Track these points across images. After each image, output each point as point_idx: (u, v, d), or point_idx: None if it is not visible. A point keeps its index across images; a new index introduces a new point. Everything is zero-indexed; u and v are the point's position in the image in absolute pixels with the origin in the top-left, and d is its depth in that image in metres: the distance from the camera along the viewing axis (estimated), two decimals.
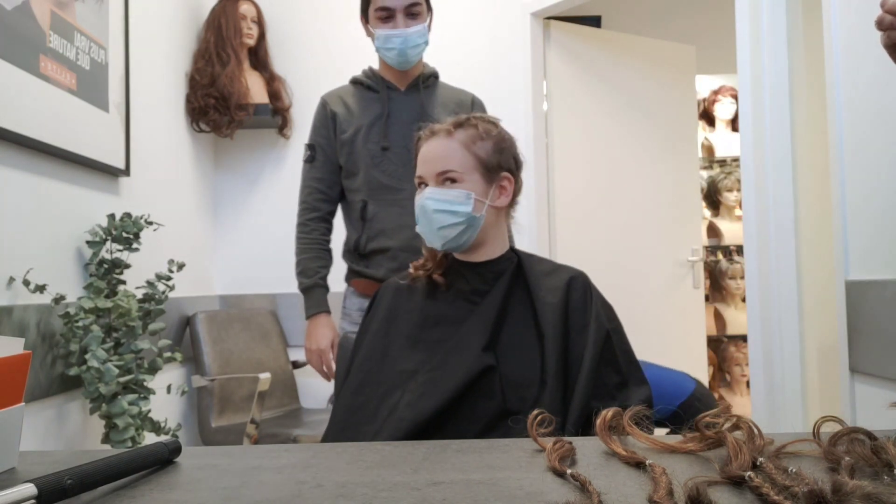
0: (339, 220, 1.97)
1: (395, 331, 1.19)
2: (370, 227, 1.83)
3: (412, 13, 1.78)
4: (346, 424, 1.12)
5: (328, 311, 1.88)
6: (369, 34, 1.85)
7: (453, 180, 1.19)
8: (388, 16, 1.77)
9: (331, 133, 1.87)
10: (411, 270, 1.25)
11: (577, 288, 1.18)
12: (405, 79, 1.88)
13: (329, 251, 1.93)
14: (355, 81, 1.92)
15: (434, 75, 1.93)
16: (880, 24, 0.86)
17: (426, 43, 1.83)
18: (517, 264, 1.22)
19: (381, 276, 1.79)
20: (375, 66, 1.92)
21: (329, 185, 1.90)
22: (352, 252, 1.88)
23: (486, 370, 1.08)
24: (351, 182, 1.87)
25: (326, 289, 1.90)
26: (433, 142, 1.21)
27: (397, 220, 1.79)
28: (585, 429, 1.02)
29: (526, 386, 1.09)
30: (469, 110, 1.89)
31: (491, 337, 1.12)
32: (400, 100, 1.86)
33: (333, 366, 1.87)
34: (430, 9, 1.84)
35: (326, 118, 1.88)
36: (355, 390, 1.15)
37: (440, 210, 1.17)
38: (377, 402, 1.11)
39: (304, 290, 1.89)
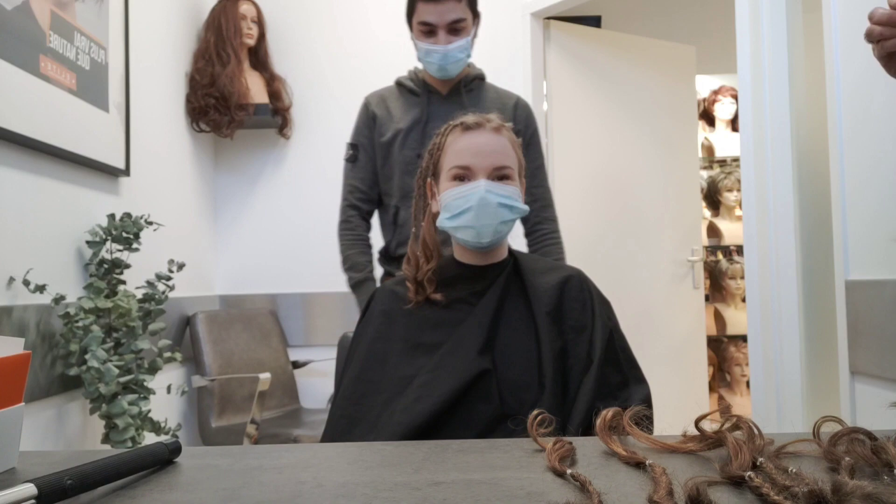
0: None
1: (393, 336, 1.18)
2: (400, 232, 1.83)
3: (455, 29, 1.74)
4: (348, 435, 1.10)
5: None
6: (416, 48, 1.83)
7: (507, 177, 1.18)
8: (429, 30, 1.75)
9: (372, 134, 1.87)
10: (411, 296, 1.20)
11: (574, 287, 1.18)
12: (447, 84, 1.85)
13: (371, 247, 1.93)
14: (399, 83, 1.90)
15: (480, 77, 1.89)
16: (869, 37, 0.87)
17: (468, 56, 1.80)
18: (513, 264, 1.22)
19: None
20: (410, 68, 1.91)
21: (370, 185, 1.89)
22: (383, 255, 1.90)
23: (483, 373, 1.08)
24: (387, 186, 1.88)
25: (375, 282, 1.90)
26: (484, 135, 1.19)
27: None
28: (588, 429, 1.01)
29: (523, 388, 1.08)
30: (511, 113, 1.87)
31: (487, 339, 1.11)
32: (440, 105, 1.84)
33: None
34: (476, 17, 1.80)
35: (368, 119, 1.87)
36: (357, 401, 1.13)
37: (504, 204, 1.16)
38: (378, 411, 1.10)
39: (356, 284, 1.86)
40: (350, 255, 1.88)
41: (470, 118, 1.22)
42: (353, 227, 1.89)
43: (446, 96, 1.85)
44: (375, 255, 1.95)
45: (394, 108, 1.86)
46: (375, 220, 1.96)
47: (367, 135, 1.87)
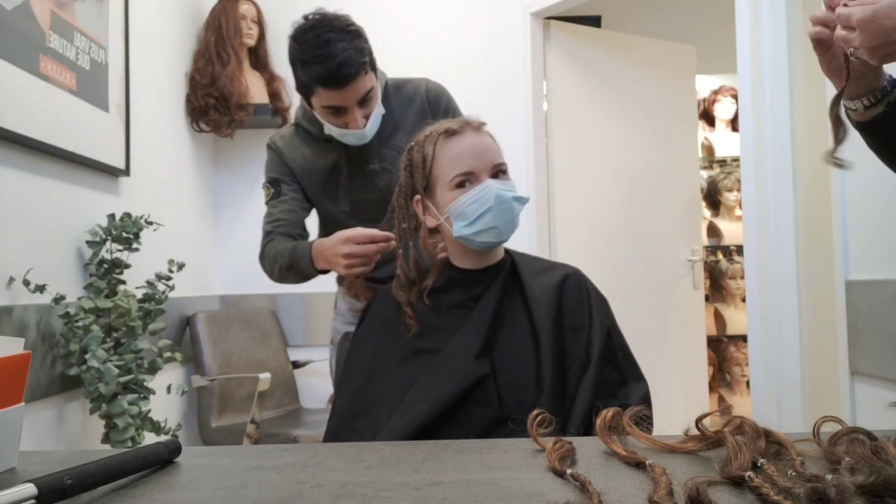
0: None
1: (393, 343, 1.17)
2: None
3: (365, 100, 1.47)
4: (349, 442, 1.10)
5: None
6: (313, 108, 1.53)
7: (504, 172, 1.19)
8: (337, 110, 1.47)
9: (293, 176, 1.60)
10: (412, 323, 1.16)
11: (572, 286, 1.18)
12: None
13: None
14: (304, 128, 1.61)
15: (386, 85, 1.61)
16: (812, 37, 0.91)
17: (383, 115, 1.56)
18: (511, 265, 1.21)
19: (374, 274, 1.51)
20: None
21: (296, 219, 1.60)
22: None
23: (482, 378, 1.07)
24: (331, 228, 1.55)
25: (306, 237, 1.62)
26: (471, 136, 1.18)
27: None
28: (588, 429, 1.01)
29: (522, 391, 1.08)
30: (423, 98, 1.63)
31: (486, 342, 1.11)
32: (359, 141, 1.54)
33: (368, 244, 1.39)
34: (375, 69, 1.52)
35: (282, 163, 1.60)
36: (358, 411, 1.13)
37: (517, 198, 1.17)
38: (382, 421, 1.09)
39: (292, 257, 1.50)
40: (269, 253, 1.56)
41: (452, 123, 1.20)
42: (271, 242, 1.57)
43: (362, 127, 1.53)
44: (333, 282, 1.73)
45: (308, 154, 1.59)
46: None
47: (286, 172, 1.60)
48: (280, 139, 1.63)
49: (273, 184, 1.61)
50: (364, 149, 1.56)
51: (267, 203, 1.62)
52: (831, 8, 0.87)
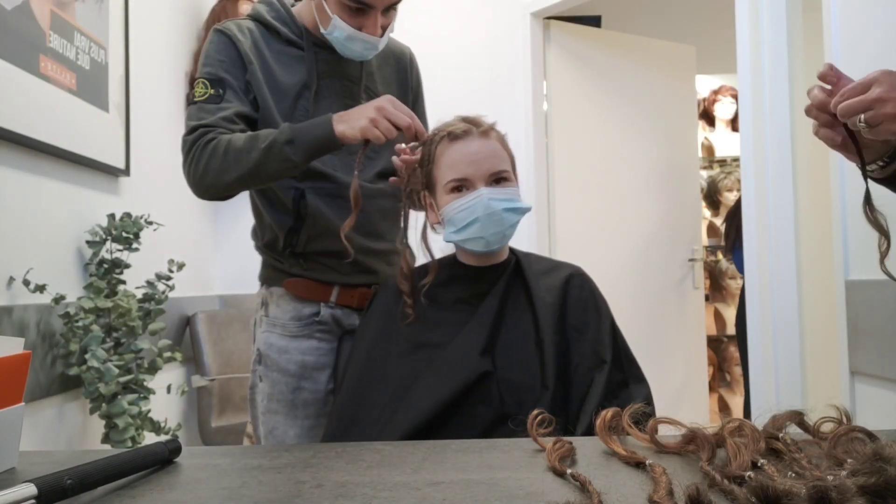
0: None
1: (395, 335, 1.17)
2: (313, 223, 1.34)
3: (390, 8, 1.27)
4: (348, 435, 1.10)
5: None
6: (319, 9, 1.27)
7: (505, 180, 1.17)
8: (359, 9, 1.24)
9: (242, 77, 1.28)
10: (409, 310, 1.17)
11: (576, 285, 1.18)
12: None
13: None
14: (269, 25, 1.33)
15: None
16: (808, 114, 0.93)
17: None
18: (515, 264, 1.22)
19: (330, 279, 1.36)
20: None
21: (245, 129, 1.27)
22: (277, 248, 1.43)
23: (484, 375, 1.07)
24: None
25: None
26: (474, 142, 1.16)
27: (344, 216, 1.21)
28: (591, 429, 1.01)
29: (524, 390, 1.08)
30: (408, 62, 1.49)
31: (489, 340, 1.11)
32: (332, 66, 1.33)
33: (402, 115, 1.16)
34: None
35: (237, 57, 1.28)
36: (358, 401, 1.14)
37: (509, 209, 1.15)
38: (379, 410, 1.10)
39: (291, 129, 1.17)
40: (221, 142, 1.21)
41: (458, 126, 1.19)
42: (217, 134, 1.22)
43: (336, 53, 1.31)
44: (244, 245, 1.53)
45: (270, 58, 1.31)
46: (243, 201, 1.42)
47: (237, 75, 1.27)
48: (236, 28, 1.30)
49: (216, 83, 1.26)
50: (342, 68, 1.34)
51: (198, 100, 1.26)
52: (826, 84, 0.87)
